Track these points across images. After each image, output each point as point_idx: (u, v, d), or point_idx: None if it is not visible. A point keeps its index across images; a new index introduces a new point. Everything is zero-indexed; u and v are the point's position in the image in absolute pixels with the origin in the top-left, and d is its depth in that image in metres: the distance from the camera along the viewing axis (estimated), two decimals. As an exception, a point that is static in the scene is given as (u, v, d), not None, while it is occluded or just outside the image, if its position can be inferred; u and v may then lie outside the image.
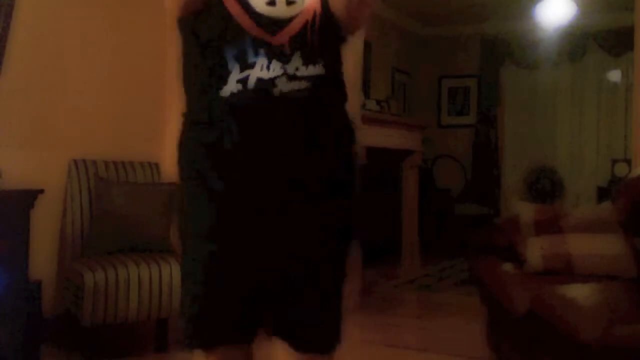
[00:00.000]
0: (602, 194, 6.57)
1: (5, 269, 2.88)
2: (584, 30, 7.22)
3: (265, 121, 1.58)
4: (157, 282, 3.21)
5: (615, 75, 7.40)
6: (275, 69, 1.60)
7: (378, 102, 6.24)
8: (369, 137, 5.06)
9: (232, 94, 1.60)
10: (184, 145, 1.86)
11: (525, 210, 3.20)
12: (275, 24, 1.65)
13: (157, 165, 3.98)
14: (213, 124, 1.68)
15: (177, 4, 1.83)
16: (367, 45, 5.84)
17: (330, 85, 1.72)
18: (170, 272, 3.25)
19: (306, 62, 1.63)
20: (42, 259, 3.40)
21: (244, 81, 1.59)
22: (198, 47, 1.80)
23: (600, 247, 2.88)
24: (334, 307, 1.70)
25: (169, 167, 4.24)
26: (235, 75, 1.61)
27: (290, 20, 1.65)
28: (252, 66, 1.60)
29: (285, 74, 1.59)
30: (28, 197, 3.02)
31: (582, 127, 7.56)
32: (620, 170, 6.50)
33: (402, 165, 6.41)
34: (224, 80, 1.62)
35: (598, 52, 7.40)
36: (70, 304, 3.25)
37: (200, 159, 1.76)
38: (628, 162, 6.23)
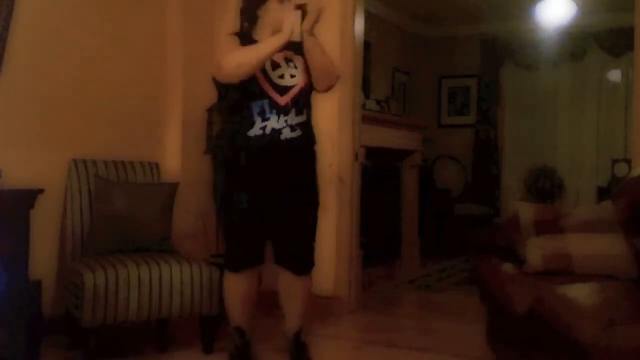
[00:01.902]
0: (602, 194, 6.57)
1: (5, 269, 2.88)
2: (584, 30, 7.22)
3: (275, 153, 2.88)
4: (157, 282, 3.20)
5: (615, 75, 7.40)
6: (281, 121, 2.85)
7: (378, 102, 6.24)
8: (369, 137, 5.06)
9: (256, 136, 2.86)
10: (230, 155, 2.97)
11: (525, 210, 3.19)
12: (283, 90, 2.88)
13: (157, 165, 3.98)
14: (244, 150, 2.91)
15: (235, 77, 2.81)
16: (367, 45, 5.84)
17: (308, 125, 2.98)
18: (170, 272, 3.25)
19: (297, 114, 2.90)
20: (42, 259, 3.40)
21: (263, 129, 2.85)
22: (231, 101, 2.90)
23: (600, 247, 2.87)
24: (311, 244, 3.04)
25: (169, 167, 4.24)
26: (258, 124, 2.85)
27: (292, 87, 2.89)
28: (268, 119, 2.85)
29: (287, 125, 2.86)
30: (28, 197, 3.02)
31: (582, 127, 7.56)
32: (620, 170, 6.49)
33: (402, 165, 6.41)
34: (251, 126, 2.86)
35: (598, 52, 7.39)
36: (70, 304, 3.25)
37: (239, 168, 2.94)
38: (628, 162, 6.22)
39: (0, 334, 2.86)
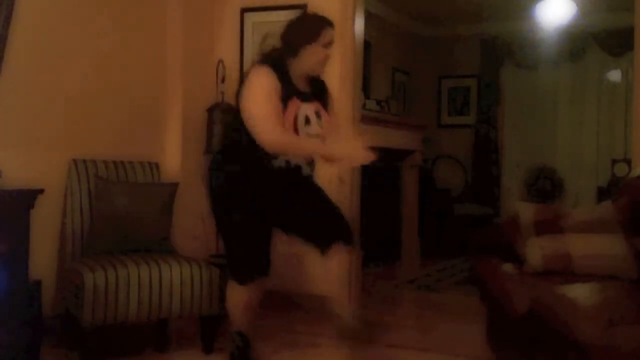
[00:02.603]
0: (602, 194, 6.57)
1: (5, 269, 2.88)
2: (584, 30, 7.21)
3: (293, 181, 3.03)
4: (157, 282, 3.20)
5: (615, 75, 7.40)
6: (302, 161, 3.02)
7: (378, 102, 6.24)
8: (369, 137, 5.06)
9: (280, 167, 2.96)
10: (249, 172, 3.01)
11: (525, 210, 3.19)
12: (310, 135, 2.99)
13: (157, 165, 3.98)
14: (263, 173, 2.98)
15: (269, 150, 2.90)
16: (367, 45, 5.84)
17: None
18: (170, 272, 3.25)
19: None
20: (42, 259, 3.41)
21: (287, 162, 2.96)
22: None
23: (600, 247, 2.87)
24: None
25: (169, 167, 4.24)
26: (283, 156, 2.94)
27: (315, 136, 2.99)
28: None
29: (308, 163, 3.04)
30: (28, 197, 3.03)
31: (582, 127, 7.56)
32: (620, 170, 6.49)
33: (402, 165, 6.41)
34: (275, 156, 2.93)
35: (598, 52, 7.40)
36: (70, 304, 3.25)
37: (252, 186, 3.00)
38: (628, 162, 6.22)
39: (0, 334, 2.86)
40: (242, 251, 3.01)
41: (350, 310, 3.17)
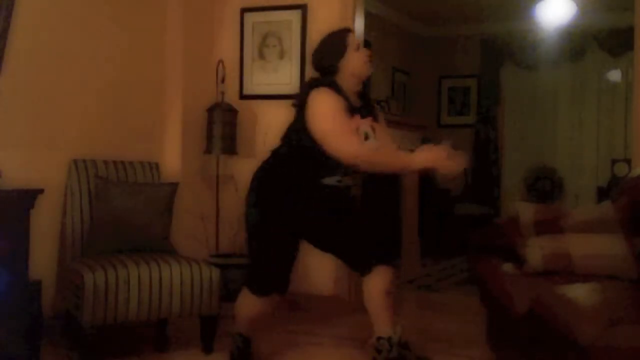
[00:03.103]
0: (602, 194, 6.56)
1: (5, 269, 2.88)
2: (584, 30, 7.21)
3: (339, 206, 3.02)
4: (157, 282, 3.20)
5: (615, 75, 7.40)
6: (353, 179, 3.02)
7: (378, 102, 6.23)
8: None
9: (330, 185, 2.96)
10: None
11: (525, 210, 3.19)
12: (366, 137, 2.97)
13: (157, 165, 3.98)
14: (310, 195, 2.97)
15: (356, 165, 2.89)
16: (367, 45, 5.83)
17: None
18: (170, 272, 3.25)
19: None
20: (42, 259, 3.41)
21: (339, 182, 2.97)
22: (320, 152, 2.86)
23: (600, 247, 2.87)
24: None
25: (169, 167, 4.24)
26: (337, 176, 2.96)
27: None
28: (346, 175, 2.97)
29: (355, 184, 3.05)
30: (28, 197, 3.02)
31: (582, 127, 7.56)
32: (620, 170, 6.49)
33: (402, 165, 6.39)
34: (328, 174, 2.95)
35: (598, 52, 7.40)
36: (70, 304, 3.25)
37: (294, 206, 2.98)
38: (628, 162, 6.21)
39: (0, 334, 2.86)
40: (268, 265, 3.01)
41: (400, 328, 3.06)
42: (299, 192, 2.93)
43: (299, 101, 2.92)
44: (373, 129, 3.00)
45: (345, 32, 3.06)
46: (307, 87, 2.98)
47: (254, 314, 3.09)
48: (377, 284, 3.01)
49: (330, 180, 2.95)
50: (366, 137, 2.95)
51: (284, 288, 3.03)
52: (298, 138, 2.92)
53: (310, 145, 2.86)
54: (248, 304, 3.07)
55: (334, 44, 3.01)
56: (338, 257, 3.13)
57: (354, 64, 2.98)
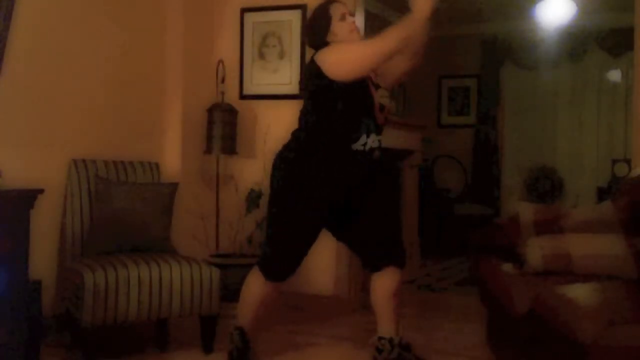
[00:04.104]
0: (602, 194, 6.56)
1: (5, 269, 2.88)
2: (584, 30, 7.21)
3: (366, 166, 2.94)
4: (157, 282, 3.20)
5: (615, 75, 7.40)
6: (376, 141, 2.93)
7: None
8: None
9: (357, 150, 2.88)
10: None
11: (525, 210, 3.19)
12: (382, 109, 2.97)
13: (157, 165, 3.98)
14: (340, 162, 2.90)
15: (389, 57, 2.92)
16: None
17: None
18: (170, 272, 3.25)
19: (382, 133, 3.00)
20: (42, 259, 3.40)
21: (364, 145, 2.89)
22: (341, 112, 2.87)
23: (600, 247, 2.87)
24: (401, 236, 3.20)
25: (169, 167, 4.24)
26: (362, 140, 2.88)
27: (385, 107, 2.99)
28: (369, 137, 2.90)
29: (378, 146, 2.94)
30: (28, 197, 3.02)
31: (582, 127, 7.56)
32: (620, 170, 6.49)
33: (402, 165, 6.41)
34: (354, 140, 2.87)
35: (598, 52, 7.39)
36: (70, 304, 3.25)
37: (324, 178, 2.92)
38: (628, 162, 6.22)
39: (0, 334, 2.86)
40: (284, 249, 3.00)
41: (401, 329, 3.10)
42: (329, 164, 2.90)
43: (304, 81, 2.97)
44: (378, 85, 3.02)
45: (329, 3, 2.99)
46: (307, 64, 3.01)
47: (262, 297, 3.06)
48: (384, 284, 3.04)
49: (357, 146, 2.88)
50: (377, 87, 2.98)
51: (293, 273, 3.04)
52: (312, 118, 2.92)
53: (325, 118, 2.88)
54: (256, 287, 3.05)
55: (319, 19, 2.99)
56: (352, 247, 3.14)
57: (341, 35, 2.95)
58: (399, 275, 3.03)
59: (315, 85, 2.90)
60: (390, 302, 3.04)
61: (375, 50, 2.86)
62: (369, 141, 2.90)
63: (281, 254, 3.02)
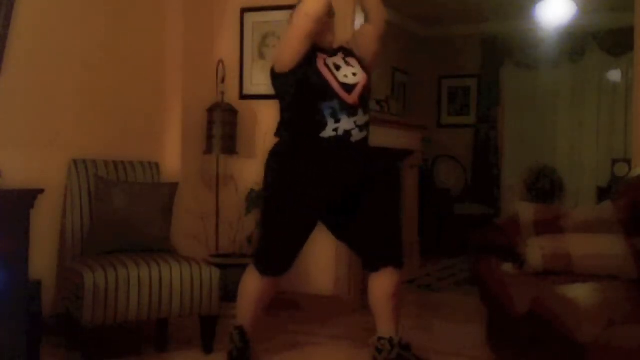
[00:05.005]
0: (602, 194, 6.56)
1: (5, 269, 2.88)
2: (584, 30, 7.21)
3: (347, 155, 2.88)
4: (157, 282, 3.20)
5: (615, 75, 7.39)
6: (351, 122, 2.83)
7: (378, 102, 6.23)
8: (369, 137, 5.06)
9: (329, 137, 2.82)
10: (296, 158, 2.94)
11: (525, 210, 3.20)
12: (349, 89, 2.86)
13: (157, 165, 3.98)
14: (316, 152, 2.87)
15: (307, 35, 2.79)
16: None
17: (369, 125, 2.96)
18: (170, 272, 3.25)
19: (364, 113, 2.89)
20: (42, 258, 3.40)
21: (336, 130, 2.82)
22: (300, 102, 2.89)
23: (600, 247, 2.88)
24: (401, 236, 3.22)
25: (169, 167, 4.24)
26: (331, 125, 2.81)
27: (355, 85, 2.88)
28: (340, 121, 2.82)
29: (356, 126, 2.85)
30: (28, 197, 3.02)
31: (582, 127, 7.56)
32: (620, 170, 6.48)
33: (402, 165, 6.41)
34: (323, 128, 2.82)
35: (598, 52, 7.39)
36: (70, 304, 3.25)
37: (306, 171, 2.90)
38: (628, 162, 6.21)
39: (0, 333, 2.86)
40: (278, 244, 3.02)
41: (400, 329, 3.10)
42: (307, 157, 2.90)
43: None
44: (346, 62, 2.97)
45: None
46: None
47: (259, 293, 3.07)
48: (382, 284, 3.04)
49: (327, 133, 2.83)
50: (337, 68, 2.91)
51: (288, 268, 3.05)
52: (286, 116, 2.97)
53: (293, 114, 2.93)
54: (252, 284, 3.07)
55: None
56: (352, 247, 3.14)
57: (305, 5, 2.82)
58: (397, 276, 3.03)
59: (275, 86, 2.97)
60: (389, 303, 3.04)
61: (294, 34, 2.83)
62: (340, 125, 2.82)
63: (275, 249, 3.03)
